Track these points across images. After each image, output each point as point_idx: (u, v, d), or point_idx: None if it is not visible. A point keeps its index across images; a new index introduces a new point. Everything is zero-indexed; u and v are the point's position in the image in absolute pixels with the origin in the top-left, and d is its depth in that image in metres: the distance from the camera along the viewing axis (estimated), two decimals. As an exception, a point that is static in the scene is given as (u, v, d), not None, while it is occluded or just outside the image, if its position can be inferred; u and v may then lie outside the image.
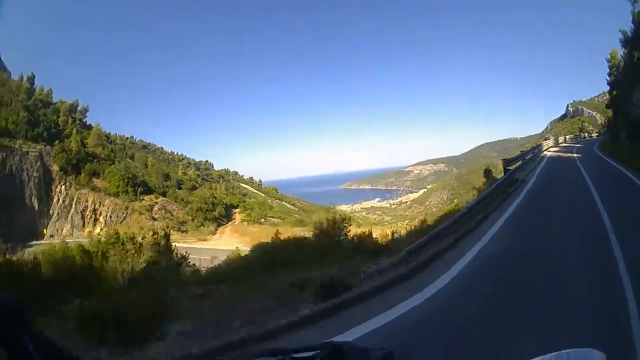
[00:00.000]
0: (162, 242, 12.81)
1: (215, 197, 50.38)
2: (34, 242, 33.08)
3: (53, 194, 42.34)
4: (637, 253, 5.00)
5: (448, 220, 7.17)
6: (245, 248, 14.84)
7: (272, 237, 7.11)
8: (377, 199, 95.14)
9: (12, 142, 40.00)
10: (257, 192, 72.79)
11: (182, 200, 47.33)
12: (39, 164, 41.36)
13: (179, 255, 11.42)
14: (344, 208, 46.43)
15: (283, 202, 66.97)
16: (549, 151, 29.85)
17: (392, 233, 9.76)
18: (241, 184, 75.80)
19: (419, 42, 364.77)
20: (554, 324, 3.41)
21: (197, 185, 57.21)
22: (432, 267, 5.45)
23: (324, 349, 0.80)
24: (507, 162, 15.63)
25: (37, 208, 40.94)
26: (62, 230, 41.39)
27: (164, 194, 47.18)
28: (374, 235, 8.70)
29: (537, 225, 7.72)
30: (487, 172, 19.13)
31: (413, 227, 10.01)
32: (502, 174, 15.30)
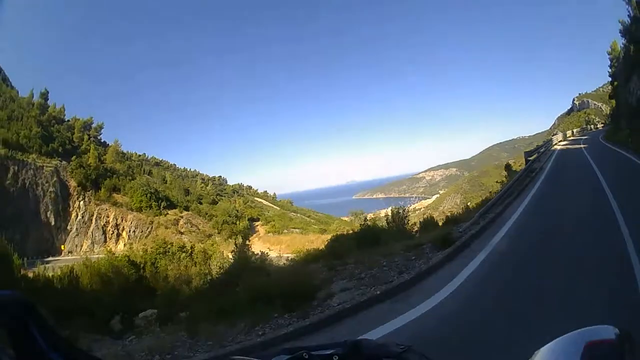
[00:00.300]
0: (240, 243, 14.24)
1: (238, 211, 52.12)
2: (50, 258, 32.15)
3: (71, 210, 41.34)
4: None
5: (496, 195, 9.01)
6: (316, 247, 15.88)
7: (361, 224, 8.89)
8: (390, 208, 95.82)
9: (25, 157, 38.46)
10: (272, 205, 73.89)
11: (206, 214, 49.00)
12: (55, 179, 40.16)
13: (258, 254, 12.81)
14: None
15: (299, 214, 68.28)
16: (559, 145, 31.48)
17: (450, 213, 11.61)
18: (256, 198, 77.04)
19: (425, 45, 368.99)
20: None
21: (217, 200, 59.03)
22: (498, 220, 7.53)
23: (342, 347, 0.81)
24: (528, 154, 17.46)
25: (53, 223, 39.48)
26: (81, 246, 40.23)
27: (186, 209, 48.48)
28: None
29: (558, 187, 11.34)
30: (508, 167, 21.49)
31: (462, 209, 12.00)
32: (524, 164, 17.22)
